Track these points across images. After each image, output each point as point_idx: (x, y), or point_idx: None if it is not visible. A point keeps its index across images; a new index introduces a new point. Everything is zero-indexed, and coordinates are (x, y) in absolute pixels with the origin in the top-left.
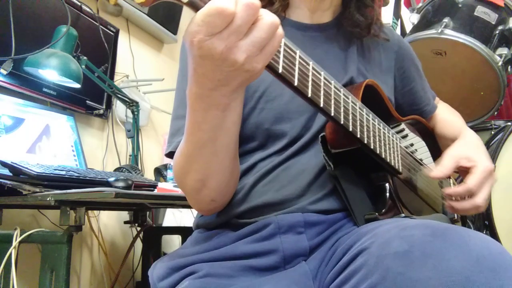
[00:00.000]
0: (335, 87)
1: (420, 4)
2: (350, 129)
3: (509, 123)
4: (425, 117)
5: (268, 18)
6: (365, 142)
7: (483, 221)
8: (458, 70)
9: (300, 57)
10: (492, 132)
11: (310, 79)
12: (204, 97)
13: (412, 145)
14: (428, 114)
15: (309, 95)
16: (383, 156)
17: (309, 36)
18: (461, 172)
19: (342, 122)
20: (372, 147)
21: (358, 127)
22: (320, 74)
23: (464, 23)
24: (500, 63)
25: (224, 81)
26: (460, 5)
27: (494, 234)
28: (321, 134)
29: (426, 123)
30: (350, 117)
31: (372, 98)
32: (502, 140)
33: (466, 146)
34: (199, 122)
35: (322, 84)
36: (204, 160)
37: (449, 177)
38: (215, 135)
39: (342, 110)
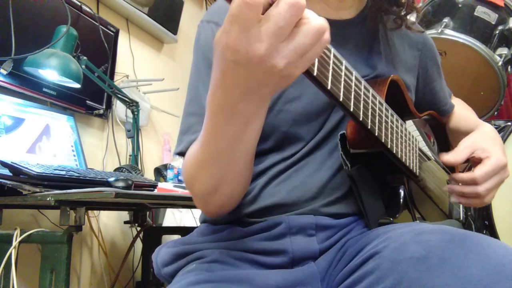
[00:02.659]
0: (364, 87)
1: (420, 4)
2: (376, 134)
3: (509, 123)
4: (442, 116)
5: (315, 22)
6: (389, 146)
7: (483, 221)
8: (458, 70)
9: (334, 56)
10: None
11: (342, 79)
12: (228, 106)
13: None
14: (445, 113)
15: (341, 99)
16: (403, 160)
17: (330, 33)
18: (474, 164)
19: (369, 127)
20: (394, 151)
21: (383, 131)
22: (352, 74)
23: (464, 23)
24: (500, 63)
25: (255, 88)
26: (460, 5)
27: (494, 234)
28: (341, 132)
29: (439, 118)
30: (377, 121)
31: (394, 93)
32: (502, 140)
33: (483, 138)
34: (218, 132)
35: (353, 85)
36: (219, 168)
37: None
38: (234, 145)
39: (369, 113)
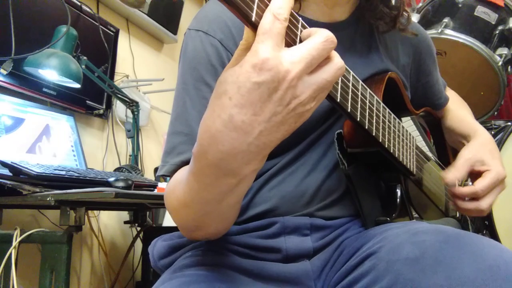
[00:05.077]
0: (362, 86)
1: (420, 4)
2: (373, 134)
3: (509, 123)
4: (437, 110)
5: (338, 61)
6: (386, 146)
7: (483, 221)
8: (458, 70)
9: None
10: (492, 132)
11: (339, 80)
12: (222, 164)
13: None
14: (440, 107)
15: (338, 99)
16: (400, 159)
17: None
18: (473, 176)
19: (366, 127)
20: (391, 150)
21: (381, 130)
22: (349, 74)
23: (464, 23)
24: (500, 63)
25: (265, 132)
26: (460, 5)
27: (494, 234)
28: (338, 131)
29: (435, 114)
30: (374, 121)
31: (391, 91)
32: (502, 140)
33: (481, 149)
34: (207, 184)
35: (350, 85)
36: (204, 214)
37: None
38: (223, 197)
39: (367, 113)
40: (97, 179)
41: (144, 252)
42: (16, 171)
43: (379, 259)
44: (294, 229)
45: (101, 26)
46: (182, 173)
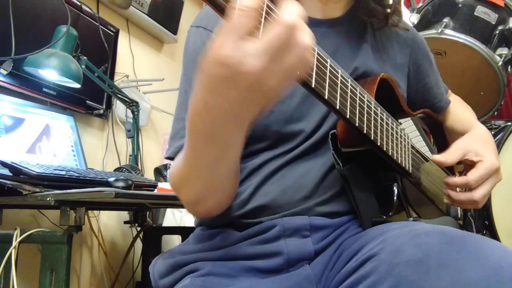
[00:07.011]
0: (351, 85)
1: (420, 4)
2: (365, 131)
3: (509, 123)
4: (438, 113)
5: (302, 42)
6: (378, 144)
7: (483, 221)
8: (458, 70)
9: (318, 54)
10: (492, 132)
11: (327, 77)
12: (208, 132)
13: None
14: (441, 110)
15: (326, 96)
16: (395, 157)
17: (319, 32)
18: (466, 166)
19: (357, 124)
20: (384, 149)
21: (372, 128)
22: (337, 72)
23: (464, 23)
24: (500, 63)
25: (238, 111)
26: (460, 5)
27: (494, 234)
28: (332, 132)
29: (435, 117)
30: (365, 118)
31: (385, 92)
32: (502, 140)
33: (476, 140)
34: (198, 154)
35: (339, 82)
36: (201, 185)
37: (455, 174)
38: (215, 165)
39: (357, 111)
40: (97, 179)
41: (144, 252)
42: (16, 171)
43: (380, 261)
44: (294, 231)
45: (101, 26)
46: (181, 152)
